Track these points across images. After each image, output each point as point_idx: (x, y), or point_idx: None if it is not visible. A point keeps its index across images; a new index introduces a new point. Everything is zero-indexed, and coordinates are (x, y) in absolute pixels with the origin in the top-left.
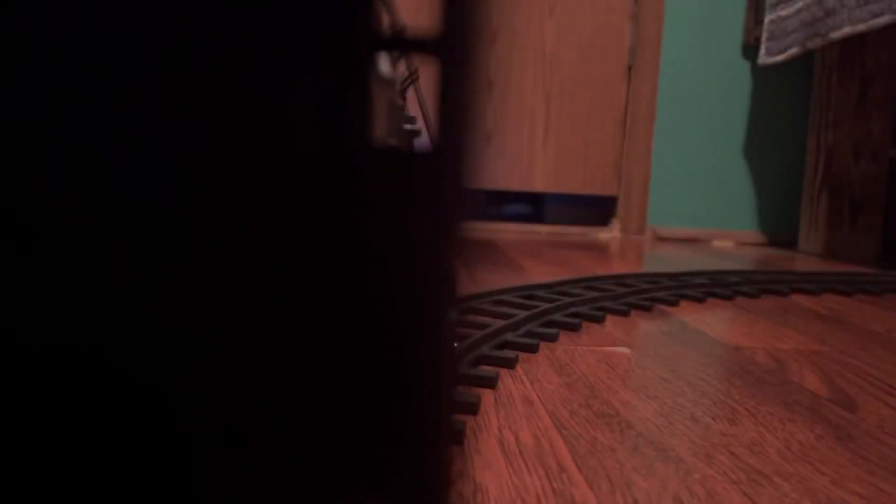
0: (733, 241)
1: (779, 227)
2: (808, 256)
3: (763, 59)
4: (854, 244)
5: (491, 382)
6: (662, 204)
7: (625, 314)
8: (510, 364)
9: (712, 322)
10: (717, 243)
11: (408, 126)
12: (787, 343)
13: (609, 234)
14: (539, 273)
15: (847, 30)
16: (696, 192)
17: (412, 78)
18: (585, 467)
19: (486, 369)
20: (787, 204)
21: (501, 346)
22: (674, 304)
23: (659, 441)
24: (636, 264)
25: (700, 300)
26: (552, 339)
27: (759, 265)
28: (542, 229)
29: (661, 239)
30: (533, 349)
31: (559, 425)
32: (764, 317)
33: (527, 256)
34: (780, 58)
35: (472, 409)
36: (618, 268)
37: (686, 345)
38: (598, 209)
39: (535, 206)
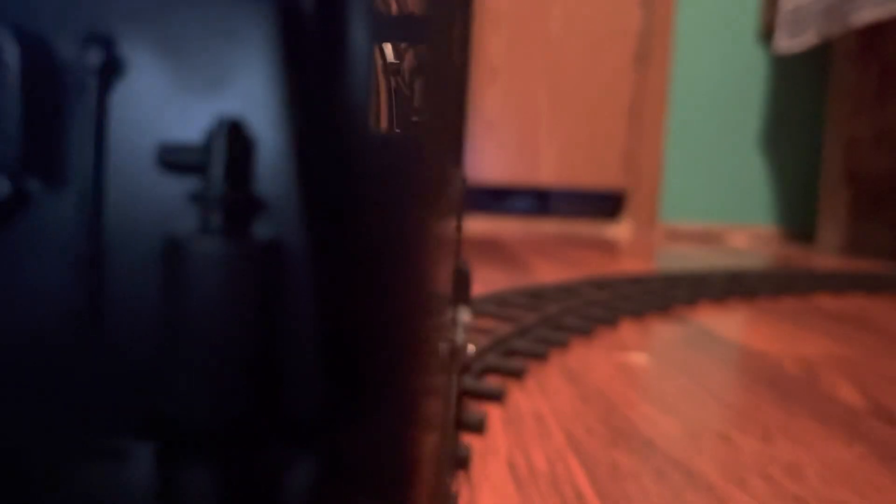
0: (749, 235)
1: (796, 221)
2: (827, 251)
3: (779, 46)
4: (875, 238)
5: (499, 396)
6: (675, 197)
7: (639, 316)
8: (519, 374)
9: (733, 325)
10: (731, 238)
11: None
12: (815, 349)
13: (619, 230)
14: (546, 272)
15: (869, 15)
16: (710, 185)
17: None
18: (606, 496)
19: (492, 381)
20: (804, 197)
21: (509, 354)
22: (692, 304)
23: (686, 464)
24: (649, 262)
25: (719, 300)
26: (563, 344)
27: (776, 262)
28: (548, 224)
29: (674, 234)
30: (543, 356)
31: (575, 446)
32: (787, 319)
33: (533, 254)
34: (797, 45)
35: (479, 427)
36: (629, 266)
37: (707, 351)
38: (607, 203)
39: (540, 200)
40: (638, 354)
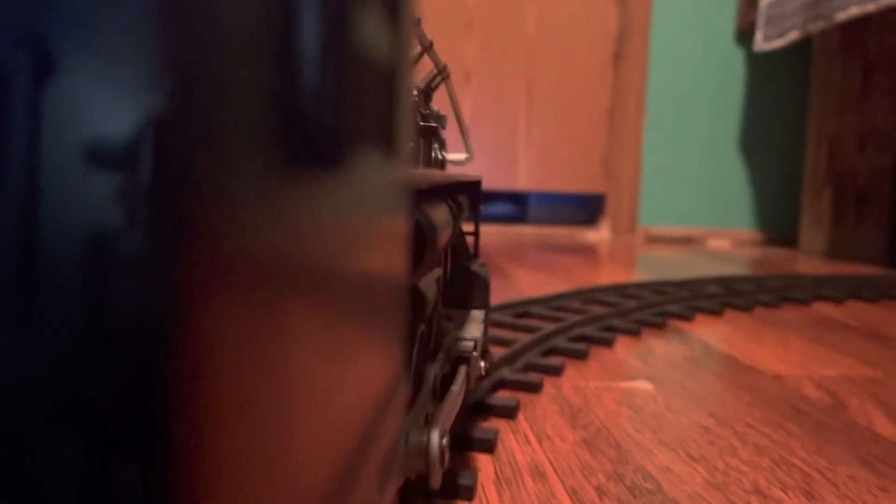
0: (730, 240)
1: (778, 225)
2: (810, 255)
3: (760, 44)
4: (859, 241)
5: (489, 445)
6: (654, 201)
7: (636, 334)
8: (511, 414)
9: (738, 341)
10: (713, 243)
11: (430, 124)
12: (832, 368)
13: (598, 235)
14: (528, 282)
15: (854, 10)
16: (690, 189)
17: (442, 76)
18: None
19: (481, 425)
20: (786, 200)
21: (496, 387)
22: (689, 318)
23: None
24: (631, 268)
25: (717, 313)
26: (557, 372)
27: (763, 267)
28: (527, 230)
29: (654, 239)
30: (535, 389)
31: None
32: (793, 333)
33: (512, 262)
34: (778, 43)
35: (468, 494)
36: (612, 272)
37: (717, 375)
38: (586, 208)
39: (518, 205)
40: (642, 383)
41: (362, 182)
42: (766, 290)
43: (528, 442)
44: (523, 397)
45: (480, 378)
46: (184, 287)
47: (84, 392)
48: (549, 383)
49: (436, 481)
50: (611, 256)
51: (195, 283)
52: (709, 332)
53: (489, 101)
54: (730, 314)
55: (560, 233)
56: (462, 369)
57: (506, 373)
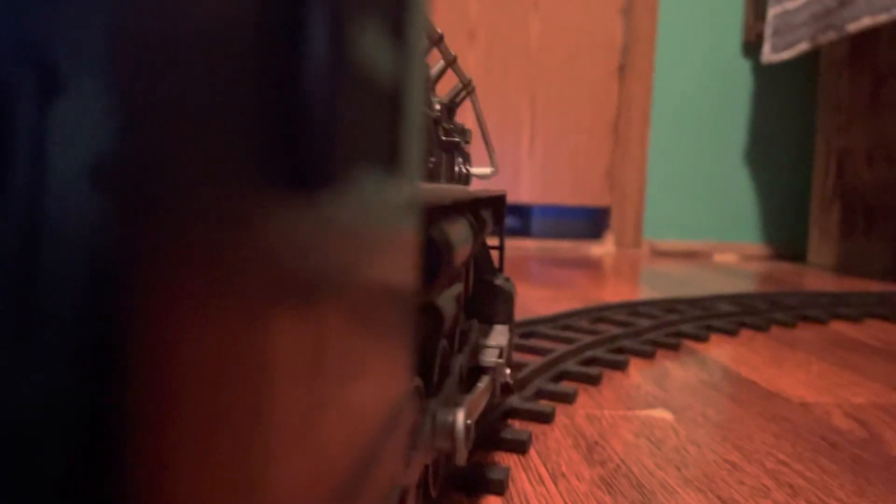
0: (736, 253)
1: (785, 239)
2: (820, 269)
3: (768, 56)
4: (869, 255)
5: (499, 486)
6: (659, 215)
7: (650, 357)
8: (522, 448)
9: (757, 364)
10: (719, 257)
11: (453, 139)
12: (860, 394)
13: (602, 249)
14: (533, 298)
15: (866, 21)
16: (696, 202)
17: (467, 90)
18: None
19: (491, 462)
20: (794, 213)
21: (505, 416)
22: (703, 339)
23: None
24: (639, 284)
25: (732, 332)
26: (569, 399)
27: (774, 283)
28: (530, 244)
29: (659, 253)
30: (547, 419)
31: None
32: (815, 354)
33: (517, 277)
34: (787, 54)
35: None
36: (619, 288)
37: (738, 402)
38: (590, 221)
39: (521, 219)
40: (661, 411)
41: (360, 199)
42: (780, 308)
43: (542, 481)
44: (534, 428)
45: (506, 390)
46: (146, 306)
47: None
48: (561, 412)
49: (461, 458)
50: (616, 271)
51: (160, 305)
52: (725, 354)
53: (492, 112)
54: (745, 334)
55: (564, 246)
56: (486, 376)
57: (515, 401)
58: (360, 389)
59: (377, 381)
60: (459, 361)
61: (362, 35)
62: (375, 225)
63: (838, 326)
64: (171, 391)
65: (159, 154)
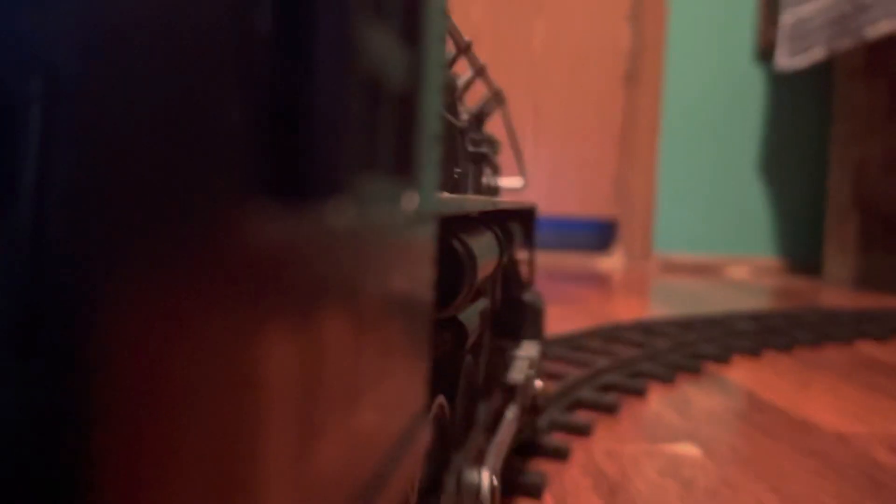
0: (750, 266)
1: (800, 252)
2: (837, 284)
3: (781, 63)
4: (889, 269)
5: None
6: (669, 227)
7: (669, 381)
8: (536, 492)
9: (784, 389)
10: (731, 270)
11: (481, 150)
12: None
13: (611, 262)
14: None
15: (885, 26)
16: (707, 214)
17: (497, 100)
18: None
19: None
20: (808, 225)
21: (518, 452)
22: (725, 360)
23: None
24: (651, 300)
25: (755, 353)
26: (586, 432)
27: (791, 299)
28: (537, 257)
29: (669, 267)
30: (563, 455)
31: None
32: (842, 378)
33: None
34: (801, 61)
35: None
36: (631, 305)
37: (769, 433)
38: (598, 233)
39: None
40: (687, 446)
41: (366, 208)
42: (802, 327)
43: None
44: (549, 467)
45: (535, 409)
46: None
47: None
48: (578, 446)
49: None
50: (627, 286)
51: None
52: (749, 378)
53: (494, 120)
54: (768, 355)
55: (571, 260)
56: (513, 404)
57: (528, 433)
58: (366, 410)
59: (387, 401)
60: (483, 410)
61: (371, 39)
62: (384, 235)
63: (865, 347)
64: (139, 407)
65: (157, 157)
